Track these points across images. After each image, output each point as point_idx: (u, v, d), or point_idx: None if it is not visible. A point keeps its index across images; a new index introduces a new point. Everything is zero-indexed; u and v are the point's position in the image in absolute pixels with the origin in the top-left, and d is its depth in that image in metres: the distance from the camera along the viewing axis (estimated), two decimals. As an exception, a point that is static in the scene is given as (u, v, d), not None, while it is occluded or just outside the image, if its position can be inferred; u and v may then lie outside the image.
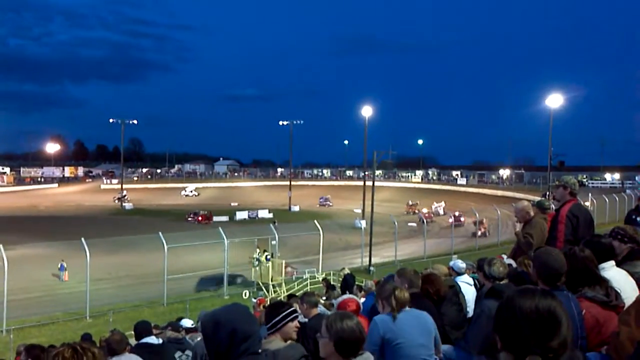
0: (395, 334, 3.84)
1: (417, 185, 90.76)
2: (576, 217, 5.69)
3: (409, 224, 51.87)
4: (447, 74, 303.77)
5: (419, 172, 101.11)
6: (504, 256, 6.86)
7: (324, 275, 26.34)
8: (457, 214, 58.08)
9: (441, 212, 68.49)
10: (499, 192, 73.17)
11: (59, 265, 30.24)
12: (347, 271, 12.48)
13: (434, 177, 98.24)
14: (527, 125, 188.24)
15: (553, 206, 7.09)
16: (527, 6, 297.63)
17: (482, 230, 44.93)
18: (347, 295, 7.09)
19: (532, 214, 6.84)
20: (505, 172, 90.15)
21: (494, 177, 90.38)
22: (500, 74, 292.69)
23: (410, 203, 74.15)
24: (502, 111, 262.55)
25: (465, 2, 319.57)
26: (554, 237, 5.68)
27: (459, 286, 5.94)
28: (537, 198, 8.02)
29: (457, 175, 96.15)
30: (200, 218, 61.85)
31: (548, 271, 3.25)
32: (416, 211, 70.71)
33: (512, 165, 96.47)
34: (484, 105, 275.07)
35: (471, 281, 6.39)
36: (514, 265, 5.81)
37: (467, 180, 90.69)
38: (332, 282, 17.55)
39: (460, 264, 6.93)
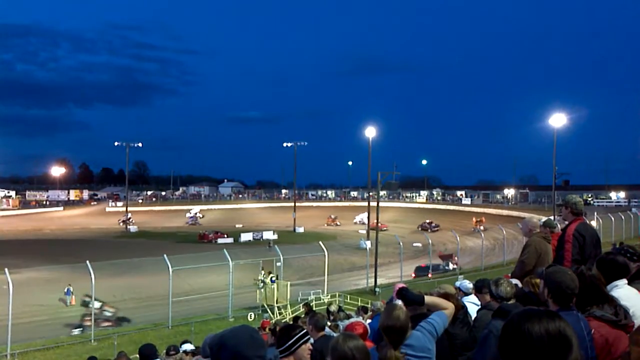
0: None
1: (421, 206, 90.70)
2: (583, 236, 5.67)
3: (414, 244, 51.69)
4: (451, 94, 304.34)
5: (424, 193, 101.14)
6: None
7: (329, 298, 26.21)
8: (428, 221, 66.03)
9: (365, 222, 72.75)
10: (504, 212, 73.00)
11: (65, 290, 30.04)
12: (333, 308, 12.16)
13: (439, 197, 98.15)
14: (531, 144, 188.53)
15: (559, 226, 7.05)
16: (531, 26, 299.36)
17: (482, 226, 48.33)
18: (354, 319, 7.05)
19: (537, 230, 6.79)
20: (509, 192, 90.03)
21: (498, 196, 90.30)
22: (504, 94, 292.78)
23: (333, 217, 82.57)
24: (506, 130, 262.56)
25: (468, 22, 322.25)
26: (561, 257, 5.66)
27: (466, 306, 5.90)
28: (543, 217, 7.98)
29: (461, 195, 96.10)
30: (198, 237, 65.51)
31: (562, 291, 3.19)
32: (338, 223, 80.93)
33: (517, 185, 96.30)
34: (487, 125, 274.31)
35: (478, 301, 6.34)
36: (520, 285, 5.77)
37: (471, 200, 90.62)
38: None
39: (467, 284, 6.89)
